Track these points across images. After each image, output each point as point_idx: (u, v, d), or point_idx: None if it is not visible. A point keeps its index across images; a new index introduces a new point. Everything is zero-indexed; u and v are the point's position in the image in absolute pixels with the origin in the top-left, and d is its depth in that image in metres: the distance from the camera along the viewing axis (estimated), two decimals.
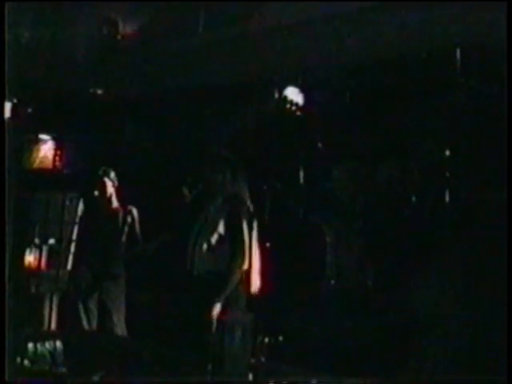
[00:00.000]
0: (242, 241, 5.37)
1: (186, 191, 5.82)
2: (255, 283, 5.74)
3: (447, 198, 6.29)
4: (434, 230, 6.28)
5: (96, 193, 7.16)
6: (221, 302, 5.23)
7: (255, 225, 5.51)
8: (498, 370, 4.14)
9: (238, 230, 5.40)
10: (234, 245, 5.38)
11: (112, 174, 7.11)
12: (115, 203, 7.12)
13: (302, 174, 7.17)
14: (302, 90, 7.15)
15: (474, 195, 5.96)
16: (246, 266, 5.37)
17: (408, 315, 5.91)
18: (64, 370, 4.61)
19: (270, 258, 6.30)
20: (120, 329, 6.82)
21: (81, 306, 6.89)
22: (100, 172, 7.15)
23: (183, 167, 5.84)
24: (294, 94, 7.10)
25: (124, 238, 6.99)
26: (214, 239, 5.45)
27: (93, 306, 6.90)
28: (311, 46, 7.05)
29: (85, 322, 6.85)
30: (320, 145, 7.20)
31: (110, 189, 7.08)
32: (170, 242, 6.31)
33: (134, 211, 7.07)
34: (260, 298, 6.02)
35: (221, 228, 5.44)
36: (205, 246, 5.47)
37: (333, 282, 6.64)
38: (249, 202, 5.62)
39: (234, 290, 5.29)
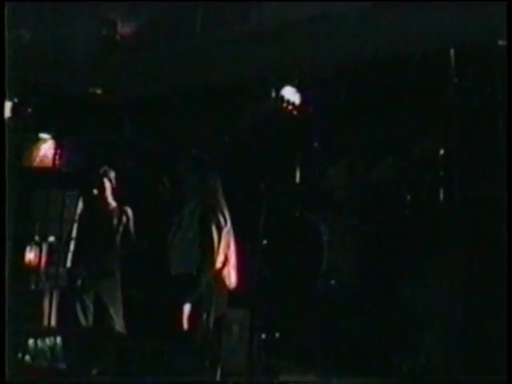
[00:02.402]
0: (210, 244, 5.44)
1: (160, 190, 5.88)
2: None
3: (442, 197, 6.34)
4: (429, 227, 6.31)
5: (95, 192, 7.22)
6: (190, 302, 5.31)
7: (227, 226, 5.58)
8: (498, 370, 4.18)
9: (206, 233, 5.47)
10: (202, 248, 5.46)
11: (112, 174, 7.18)
12: (112, 203, 7.19)
13: (298, 172, 7.22)
14: (299, 89, 7.20)
15: (469, 193, 6.00)
16: (214, 269, 5.44)
17: (405, 313, 5.95)
18: (64, 365, 4.67)
19: (266, 257, 6.36)
20: (118, 325, 6.87)
21: (78, 303, 6.95)
22: (101, 171, 7.22)
23: (172, 168, 5.90)
24: (290, 94, 7.14)
25: (119, 237, 7.07)
26: (187, 242, 5.53)
27: (89, 302, 6.96)
28: (308, 46, 7.09)
29: (82, 319, 6.91)
30: (316, 144, 7.25)
31: (109, 189, 7.16)
32: (153, 243, 6.37)
33: (129, 211, 7.14)
34: (257, 296, 6.08)
35: (192, 231, 5.52)
36: (180, 248, 5.55)
37: (329, 279, 6.67)
38: (223, 204, 5.68)
39: (208, 290, 5.35)
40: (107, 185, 7.16)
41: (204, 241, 5.49)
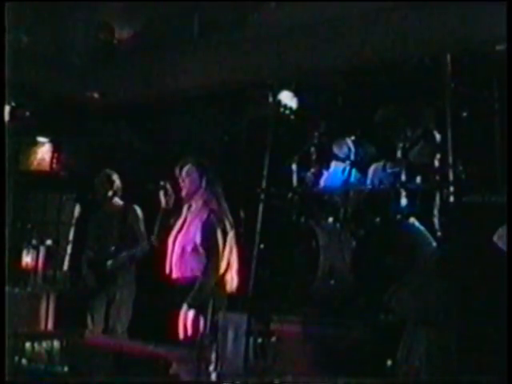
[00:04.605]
0: (216, 248, 5.44)
1: (161, 196, 5.87)
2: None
3: (437, 202, 6.35)
4: (425, 231, 6.32)
5: (97, 194, 7.18)
6: (192, 306, 5.30)
7: (232, 231, 5.59)
8: (497, 371, 4.18)
9: (211, 238, 5.47)
10: (207, 252, 5.45)
11: (114, 176, 7.14)
12: (117, 203, 7.11)
13: (295, 176, 7.22)
14: (296, 94, 7.22)
15: (465, 198, 6.01)
16: (220, 273, 5.44)
17: (400, 316, 5.95)
18: (60, 369, 4.67)
19: (263, 261, 6.38)
20: (122, 330, 6.83)
21: (88, 307, 6.91)
22: (101, 173, 7.18)
23: (171, 172, 5.89)
24: (288, 98, 7.16)
25: (127, 237, 6.99)
26: (189, 246, 5.53)
27: (100, 306, 6.91)
28: (305, 51, 7.12)
29: (90, 323, 6.87)
30: (313, 148, 7.26)
31: (111, 191, 7.09)
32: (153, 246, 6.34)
33: (137, 209, 7.06)
34: (253, 300, 6.09)
35: (197, 236, 5.52)
36: (182, 252, 5.55)
37: (326, 283, 6.67)
38: (226, 208, 5.68)
39: (212, 294, 5.35)
40: (108, 187, 7.09)
41: (209, 245, 5.49)
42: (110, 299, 6.89)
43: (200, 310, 5.27)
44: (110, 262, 6.87)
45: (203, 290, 5.36)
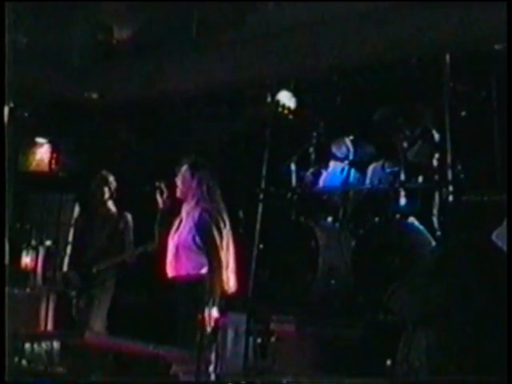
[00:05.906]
0: (214, 245, 5.45)
1: (158, 196, 5.89)
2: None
3: (437, 200, 6.35)
4: (424, 231, 6.32)
5: (93, 196, 7.18)
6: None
7: (226, 229, 5.59)
8: (497, 371, 4.18)
9: (205, 236, 5.48)
10: (206, 251, 5.46)
11: (110, 178, 7.13)
12: (111, 208, 7.12)
13: (294, 176, 7.22)
14: (295, 93, 7.23)
15: (464, 197, 6.02)
16: (219, 272, 5.44)
17: (400, 316, 5.94)
18: (60, 369, 4.67)
19: (262, 261, 6.37)
20: (95, 329, 6.83)
21: (73, 307, 6.93)
22: (98, 175, 7.17)
23: (169, 172, 5.92)
24: (286, 98, 7.17)
25: (116, 242, 7.00)
26: (182, 244, 5.53)
27: (84, 306, 6.92)
28: (304, 50, 7.13)
29: (78, 323, 6.89)
30: (312, 148, 7.27)
31: (107, 193, 7.09)
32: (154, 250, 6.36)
33: (129, 217, 7.07)
34: (253, 300, 6.09)
35: (190, 234, 5.53)
36: (178, 251, 5.56)
37: (325, 283, 6.67)
38: (221, 206, 5.69)
39: (206, 294, 5.34)
40: (106, 189, 7.09)
41: (205, 243, 5.50)
42: (90, 300, 6.91)
43: (195, 309, 5.27)
44: (95, 266, 6.88)
45: (198, 288, 5.36)
